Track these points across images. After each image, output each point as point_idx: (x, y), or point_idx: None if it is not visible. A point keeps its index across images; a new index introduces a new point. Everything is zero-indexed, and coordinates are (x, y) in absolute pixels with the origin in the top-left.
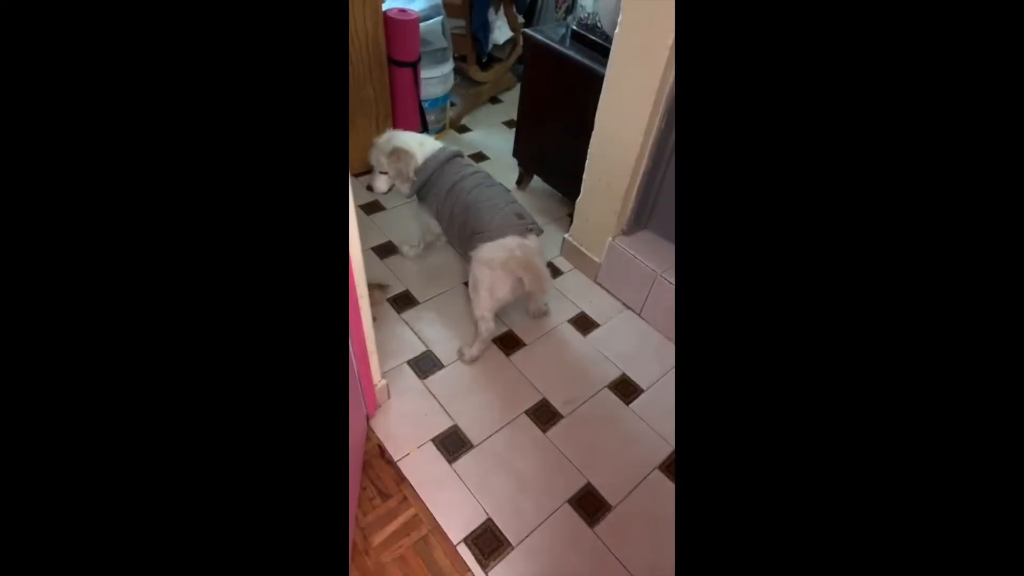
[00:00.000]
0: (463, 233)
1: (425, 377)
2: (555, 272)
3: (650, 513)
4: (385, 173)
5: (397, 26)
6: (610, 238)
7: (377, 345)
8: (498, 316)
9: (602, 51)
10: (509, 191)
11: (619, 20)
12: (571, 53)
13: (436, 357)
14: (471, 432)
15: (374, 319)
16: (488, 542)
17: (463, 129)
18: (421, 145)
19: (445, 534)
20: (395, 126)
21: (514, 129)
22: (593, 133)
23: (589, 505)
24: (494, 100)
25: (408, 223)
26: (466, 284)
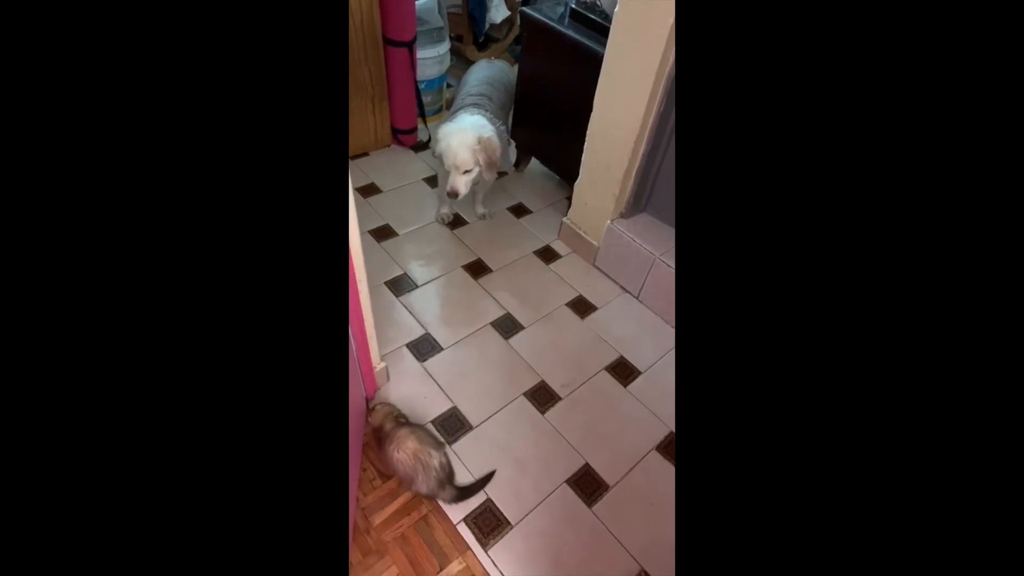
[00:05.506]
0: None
1: (424, 360)
2: (553, 256)
3: (647, 493)
4: (469, 171)
5: (392, 4)
6: (608, 221)
7: (376, 328)
8: (496, 300)
9: (601, 31)
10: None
11: None
12: (570, 33)
13: (435, 340)
14: (470, 414)
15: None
16: (487, 521)
17: None
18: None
19: (445, 514)
20: (391, 108)
21: (511, 111)
22: (592, 115)
23: (587, 485)
24: None
25: (406, 204)
26: (464, 267)
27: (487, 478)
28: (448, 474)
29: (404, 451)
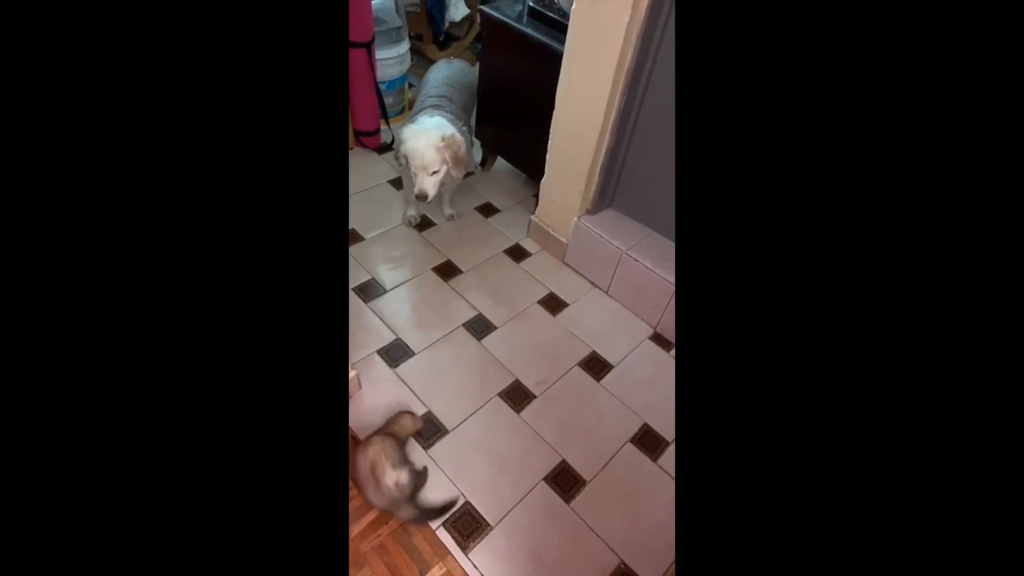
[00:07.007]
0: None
1: (396, 365)
2: (523, 254)
3: (624, 485)
4: (437, 172)
5: (348, 4)
6: (576, 218)
7: None
8: (467, 300)
9: (560, 28)
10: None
11: None
12: (529, 30)
13: (406, 345)
14: (445, 418)
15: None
16: (467, 524)
17: None
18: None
19: None
20: (352, 110)
21: (473, 110)
22: (554, 112)
23: (565, 482)
24: None
25: (372, 207)
26: (433, 269)
27: (448, 505)
28: (409, 494)
29: (363, 458)
